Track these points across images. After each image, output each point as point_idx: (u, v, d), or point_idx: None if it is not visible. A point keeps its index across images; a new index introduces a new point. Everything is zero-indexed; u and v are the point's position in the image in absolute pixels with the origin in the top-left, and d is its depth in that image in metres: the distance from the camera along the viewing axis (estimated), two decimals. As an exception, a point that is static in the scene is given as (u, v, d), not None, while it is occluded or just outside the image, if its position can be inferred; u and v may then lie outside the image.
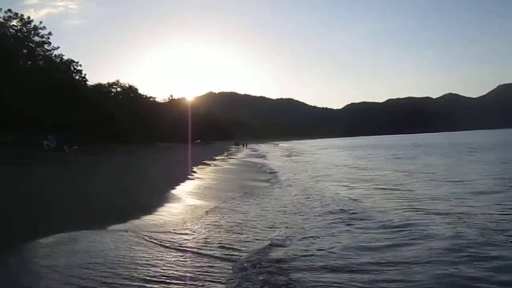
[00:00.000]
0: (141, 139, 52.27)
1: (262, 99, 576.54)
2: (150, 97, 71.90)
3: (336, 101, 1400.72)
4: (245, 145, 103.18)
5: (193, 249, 6.70)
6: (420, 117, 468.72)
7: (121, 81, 62.49)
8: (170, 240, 7.23)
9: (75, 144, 31.57)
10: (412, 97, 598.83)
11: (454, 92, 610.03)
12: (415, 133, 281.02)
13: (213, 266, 5.84)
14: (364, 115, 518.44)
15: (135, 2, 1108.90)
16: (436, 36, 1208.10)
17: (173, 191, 13.94)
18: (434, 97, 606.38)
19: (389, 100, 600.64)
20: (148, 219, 9.14)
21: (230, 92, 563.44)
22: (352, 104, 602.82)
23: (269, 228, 8.60)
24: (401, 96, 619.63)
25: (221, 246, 6.97)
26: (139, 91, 65.35)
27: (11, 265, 5.54)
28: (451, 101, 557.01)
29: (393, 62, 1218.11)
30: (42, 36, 39.38)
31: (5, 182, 12.98)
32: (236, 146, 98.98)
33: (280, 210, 10.98)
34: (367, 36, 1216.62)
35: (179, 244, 6.97)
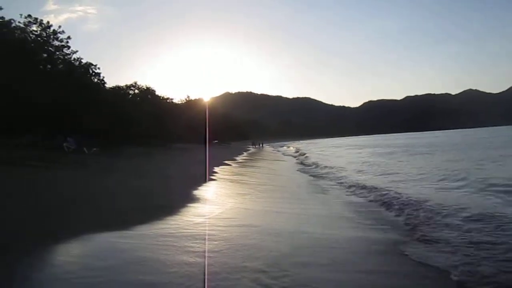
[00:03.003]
0: (159, 140, 52.56)
1: (278, 98, 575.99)
2: (168, 98, 72.26)
3: (353, 99, 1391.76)
4: (261, 145, 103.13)
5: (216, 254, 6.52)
6: (439, 114, 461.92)
7: (138, 83, 63.00)
8: (195, 245, 7.06)
9: (94, 146, 31.84)
10: (431, 94, 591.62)
11: (474, 88, 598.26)
12: (434, 130, 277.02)
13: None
14: (381, 113, 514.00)
15: (151, 4, 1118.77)
16: (455, 31, 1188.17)
17: (195, 192, 13.83)
18: (453, 93, 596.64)
19: (407, 97, 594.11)
20: (173, 220, 9.01)
21: (247, 92, 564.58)
22: (370, 102, 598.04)
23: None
24: (420, 93, 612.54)
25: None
26: (157, 93, 65.79)
27: (40, 267, 5.48)
28: (472, 97, 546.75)
29: (411, 58, 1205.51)
30: (61, 40, 39.90)
31: (28, 184, 13.09)
32: (253, 146, 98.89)
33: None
34: (384, 33, 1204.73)
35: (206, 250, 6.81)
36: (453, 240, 7.70)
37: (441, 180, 17.80)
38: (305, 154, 52.33)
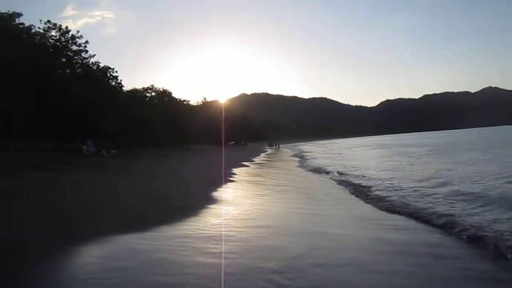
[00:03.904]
0: (176, 142, 52.99)
1: (294, 99, 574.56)
2: (184, 100, 72.85)
3: (370, 99, 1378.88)
4: (277, 146, 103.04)
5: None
6: (458, 112, 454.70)
7: (155, 86, 63.75)
8: (213, 246, 7.08)
9: (113, 149, 32.25)
10: (449, 92, 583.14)
11: (494, 86, 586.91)
12: (453, 129, 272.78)
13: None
14: (399, 112, 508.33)
15: (167, 8, 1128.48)
16: (473, 28, 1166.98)
17: (213, 193, 13.89)
18: (472, 91, 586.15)
19: (425, 96, 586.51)
20: (191, 221, 9.06)
21: (263, 93, 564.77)
22: (387, 101, 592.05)
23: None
24: (438, 92, 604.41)
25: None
26: (173, 95, 66.38)
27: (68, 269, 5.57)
28: (491, 94, 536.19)
29: (429, 56, 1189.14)
30: (79, 45, 40.65)
31: (50, 187, 13.33)
32: (270, 147, 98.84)
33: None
34: (401, 31, 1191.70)
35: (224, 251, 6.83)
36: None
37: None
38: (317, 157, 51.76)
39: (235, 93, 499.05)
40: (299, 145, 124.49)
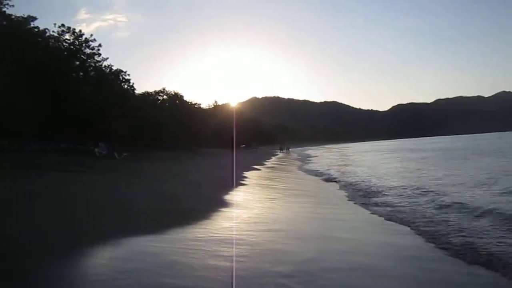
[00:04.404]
0: (187, 145, 53.21)
1: (306, 102, 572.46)
2: (195, 104, 73.10)
3: (381, 103, 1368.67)
4: (288, 150, 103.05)
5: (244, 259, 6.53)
6: (471, 117, 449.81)
7: (167, 89, 64.05)
8: (223, 249, 7.09)
9: (124, 151, 32.48)
10: (462, 96, 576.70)
11: (508, 90, 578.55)
12: (466, 133, 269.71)
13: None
14: (411, 116, 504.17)
15: (178, 11, 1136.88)
16: (487, 31, 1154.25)
17: (225, 196, 13.91)
18: (486, 95, 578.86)
19: (438, 100, 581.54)
20: (202, 224, 9.08)
21: (274, 96, 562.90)
22: (399, 105, 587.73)
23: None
24: (450, 96, 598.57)
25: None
26: (185, 98, 66.66)
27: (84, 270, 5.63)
28: (505, 99, 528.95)
29: (441, 59, 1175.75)
30: (92, 48, 41.04)
31: (64, 189, 13.47)
32: (281, 151, 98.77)
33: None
34: (413, 34, 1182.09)
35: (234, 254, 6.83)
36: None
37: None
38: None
39: (246, 96, 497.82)
40: (309, 149, 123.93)
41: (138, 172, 22.27)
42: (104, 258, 6.24)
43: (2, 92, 25.33)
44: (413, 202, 13.55)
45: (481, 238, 8.27)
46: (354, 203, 14.39)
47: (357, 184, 20.50)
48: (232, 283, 5.25)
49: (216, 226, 8.99)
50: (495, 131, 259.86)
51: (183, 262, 6.07)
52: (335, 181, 22.97)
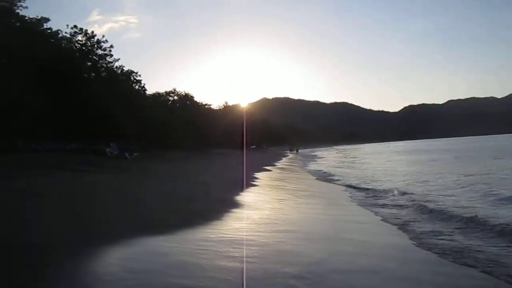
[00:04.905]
0: (197, 146, 53.36)
1: (316, 103, 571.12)
2: (206, 104, 73.37)
3: (392, 104, 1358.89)
4: (297, 151, 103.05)
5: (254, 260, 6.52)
6: (484, 118, 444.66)
7: (177, 90, 64.33)
8: (234, 250, 7.09)
9: (135, 151, 32.69)
10: (475, 98, 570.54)
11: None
12: (478, 135, 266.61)
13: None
14: (423, 117, 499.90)
15: (189, 12, 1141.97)
16: (500, 31, 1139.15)
17: (236, 197, 13.93)
18: (499, 96, 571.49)
19: (449, 102, 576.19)
20: (213, 225, 9.10)
21: (284, 97, 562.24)
22: (410, 106, 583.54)
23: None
24: (463, 97, 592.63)
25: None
26: (195, 99, 66.91)
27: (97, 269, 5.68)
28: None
29: (453, 61, 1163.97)
30: (104, 49, 41.43)
31: (77, 188, 13.62)
32: (291, 152, 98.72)
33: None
34: (424, 35, 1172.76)
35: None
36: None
37: None
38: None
39: (256, 97, 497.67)
40: (319, 150, 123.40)
41: (149, 172, 22.39)
42: (115, 257, 6.28)
43: (16, 92, 25.67)
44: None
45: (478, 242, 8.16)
46: (360, 205, 14.31)
47: (363, 187, 20.24)
48: (242, 284, 5.25)
49: (227, 226, 9.01)
50: (508, 133, 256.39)
51: (193, 263, 6.09)
52: (345, 185, 22.54)
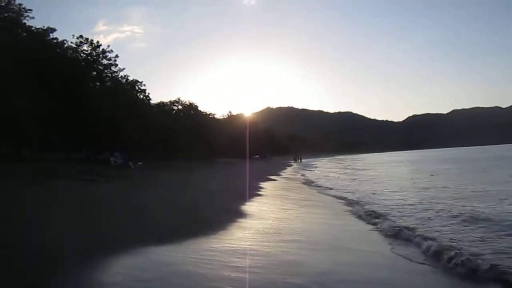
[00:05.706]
0: (202, 155, 53.42)
1: (320, 113, 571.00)
2: (210, 114, 73.53)
3: (396, 114, 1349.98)
4: (300, 160, 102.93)
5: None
6: (488, 128, 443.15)
7: (182, 99, 64.56)
8: (237, 260, 7.10)
9: (139, 161, 32.79)
10: (479, 107, 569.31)
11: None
12: (481, 145, 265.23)
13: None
14: (427, 127, 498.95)
15: (194, 22, 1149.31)
16: (504, 41, 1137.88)
17: (241, 207, 13.94)
18: (503, 106, 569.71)
19: (453, 111, 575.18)
20: (217, 235, 9.10)
21: (288, 107, 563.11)
22: (414, 116, 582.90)
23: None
24: (467, 107, 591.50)
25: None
26: (199, 108, 67.10)
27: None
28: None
29: (457, 71, 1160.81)
30: (109, 59, 41.64)
31: (82, 197, 13.67)
32: (294, 161, 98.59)
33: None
34: (428, 45, 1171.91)
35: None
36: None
37: None
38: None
39: (260, 107, 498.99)
40: (321, 160, 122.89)
41: (154, 182, 22.42)
42: (120, 266, 6.31)
43: (22, 101, 25.88)
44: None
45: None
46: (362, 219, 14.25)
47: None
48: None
49: (232, 236, 9.03)
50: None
51: (197, 273, 6.10)
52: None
